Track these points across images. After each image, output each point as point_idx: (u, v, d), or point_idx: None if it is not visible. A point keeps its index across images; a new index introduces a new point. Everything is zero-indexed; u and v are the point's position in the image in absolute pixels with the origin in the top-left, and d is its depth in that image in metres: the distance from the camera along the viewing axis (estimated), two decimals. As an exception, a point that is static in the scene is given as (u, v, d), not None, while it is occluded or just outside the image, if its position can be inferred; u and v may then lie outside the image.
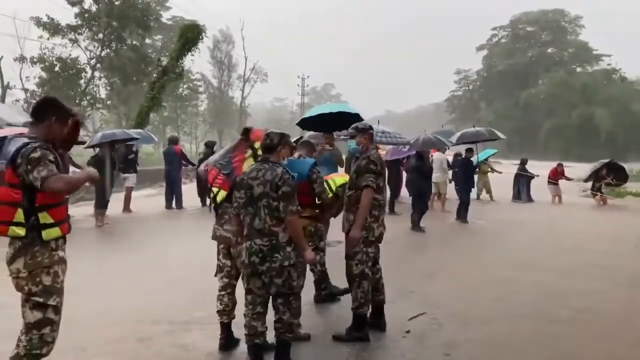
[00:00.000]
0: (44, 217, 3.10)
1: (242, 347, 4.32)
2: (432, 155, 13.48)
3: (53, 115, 3.24)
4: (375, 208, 4.67)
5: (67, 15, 26.67)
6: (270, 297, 3.93)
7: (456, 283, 6.85)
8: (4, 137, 3.31)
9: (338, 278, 5.60)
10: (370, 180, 4.60)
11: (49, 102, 3.34)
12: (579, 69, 71.94)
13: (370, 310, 4.85)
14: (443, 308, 5.65)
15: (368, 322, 4.78)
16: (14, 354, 3.16)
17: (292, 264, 3.80)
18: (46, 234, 3.11)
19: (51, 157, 3.09)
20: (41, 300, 3.11)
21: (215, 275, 4.47)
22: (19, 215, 3.05)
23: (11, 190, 3.07)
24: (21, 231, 3.06)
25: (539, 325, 5.27)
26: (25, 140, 3.14)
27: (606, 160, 17.62)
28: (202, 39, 20.11)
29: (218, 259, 4.46)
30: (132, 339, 4.67)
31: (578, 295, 6.33)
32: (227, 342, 4.39)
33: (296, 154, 5.21)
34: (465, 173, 12.34)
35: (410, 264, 7.76)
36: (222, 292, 4.39)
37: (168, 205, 13.35)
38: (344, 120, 8.04)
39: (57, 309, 3.20)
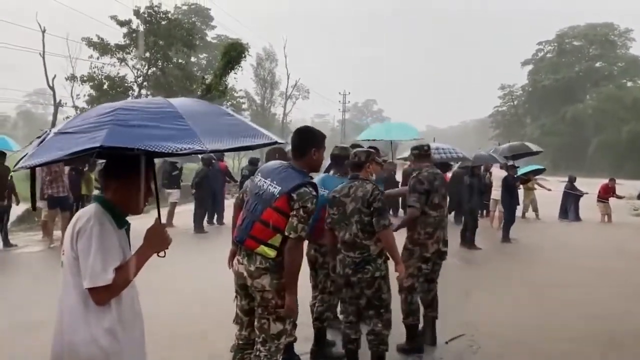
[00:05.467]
0: None
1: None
2: (489, 172, 13.57)
3: (313, 146, 3.43)
4: (429, 225, 4.82)
5: (116, 35, 27.59)
6: (362, 309, 4.11)
7: (495, 303, 6.72)
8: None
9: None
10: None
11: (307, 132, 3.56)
12: (629, 84, 69.70)
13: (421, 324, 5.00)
14: (481, 329, 5.55)
15: (420, 333, 4.95)
16: None
17: (383, 276, 4.00)
18: None
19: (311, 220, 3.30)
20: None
21: (234, 301, 4.39)
22: (276, 240, 3.21)
23: (279, 216, 3.21)
24: (272, 253, 3.21)
25: (579, 349, 5.11)
26: (304, 176, 3.31)
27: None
28: (245, 57, 20.33)
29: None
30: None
31: (621, 318, 6.11)
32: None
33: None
34: (508, 191, 12.13)
35: (449, 283, 7.60)
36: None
37: (209, 221, 13.55)
38: None
39: (290, 320, 3.42)
